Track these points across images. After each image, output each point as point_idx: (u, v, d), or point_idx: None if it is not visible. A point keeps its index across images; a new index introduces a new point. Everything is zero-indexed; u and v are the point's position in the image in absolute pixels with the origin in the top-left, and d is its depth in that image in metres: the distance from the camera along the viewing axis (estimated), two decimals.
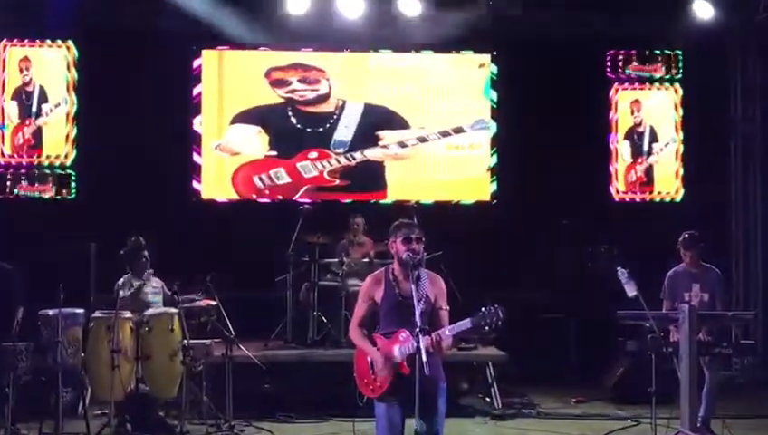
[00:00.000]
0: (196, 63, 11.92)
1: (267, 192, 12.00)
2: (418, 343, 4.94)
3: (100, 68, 11.56)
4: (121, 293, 8.24)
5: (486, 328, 5.11)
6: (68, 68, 11.75)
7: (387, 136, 12.12)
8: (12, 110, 11.67)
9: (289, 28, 11.63)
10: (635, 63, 12.35)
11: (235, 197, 11.96)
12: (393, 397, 5.21)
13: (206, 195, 11.91)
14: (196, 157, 11.88)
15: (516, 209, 11.84)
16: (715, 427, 7.88)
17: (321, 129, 12.07)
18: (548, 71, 11.65)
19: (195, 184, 11.88)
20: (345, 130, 12.09)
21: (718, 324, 7.89)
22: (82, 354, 8.08)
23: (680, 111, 12.34)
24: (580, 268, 11.53)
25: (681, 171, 12.28)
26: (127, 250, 8.55)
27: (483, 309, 5.11)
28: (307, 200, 11.71)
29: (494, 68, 12.19)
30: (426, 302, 5.22)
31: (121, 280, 8.44)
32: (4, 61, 11.68)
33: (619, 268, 7.39)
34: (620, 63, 12.33)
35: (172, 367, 8.03)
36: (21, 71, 11.71)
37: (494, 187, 12.13)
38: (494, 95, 12.18)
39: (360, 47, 12.15)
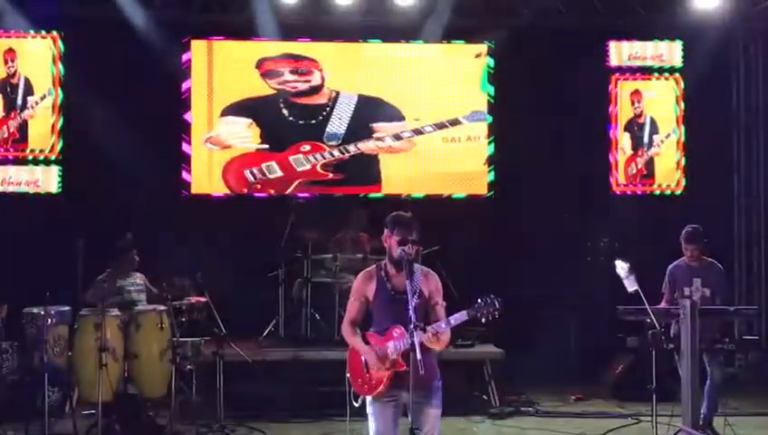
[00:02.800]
0: (185, 54, 11.87)
1: (259, 186, 11.96)
2: (413, 338, 4.93)
3: (87, 59, 11.51)
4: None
5: (483, 320, 5.11)
6: (54, 60, 11.70)
7: (381, 128, 12.08)
8: None
9: (281, 17, 11.62)
10: (635, 53, 12.33)
11: (225, 191, 11.93)
12: (387, 396, 5.20)
13: (195, 189, 11.87)
14: (185, 150, 11.85)
15: (515, 203, 11.82)
16: (717, 425, 7.88)
17: (313, 121, 12.04)
18: (546, 60, 11.63)
19: (184, 178, 11.84)
20: (338, 123, 12.07)
21: (721, 320, 7.89)
22: (69, 353, 8.06)
23: (681, 103, 12.33)
24: (579, 263, 11.51)
25: (683, 164, 12.28)
26: (117, 247, 8.53)
27: (479, 300, 5.12)
28: (301, 194, 11.68)
29: (492, 58, 12.16)
30: (419, 297, 5.20)
31: (102, 276, 8.41)
32: None
33: (618, 262, 7.38)
34: (621, 53, 12.31)
35: (161, 366, 8.04)
36: (6, 62, 11.65)
37: (491, 179, 12.10)
38: (492, 86, 12.15)
39: (353, 37, 12.13)
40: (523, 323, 10.62)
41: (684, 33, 12.13)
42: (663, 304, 8.00)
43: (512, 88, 11.95)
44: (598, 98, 12.25)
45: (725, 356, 8.12)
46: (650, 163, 12.33)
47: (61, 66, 11.70)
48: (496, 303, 5.08)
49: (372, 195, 11.96)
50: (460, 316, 5.13)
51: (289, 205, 10.62)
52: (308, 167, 11.99)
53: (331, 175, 12.02)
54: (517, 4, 11.89)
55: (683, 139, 12.30)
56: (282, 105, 12.02)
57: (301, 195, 11.63)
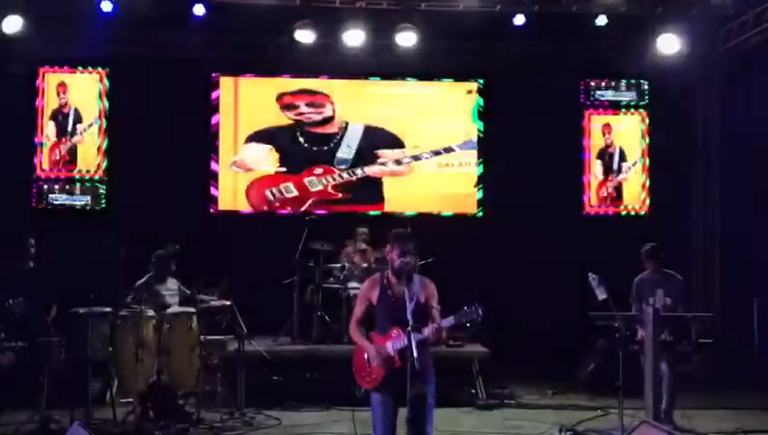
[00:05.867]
0: (214, 89, 11.95)
1: (277, 204, 12.01)
2: (410, 340, 4.96)
3: (129, 92, 11.59)
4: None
5: (468, 325, 5.14)
6: (100, 92, 11.79)
7: (385, 154, 12.14)
8: (50, 129, 11.72)
9: (298, 57, 11.68)
10: (606, 91, 12.40)
11: (248, 208, 11.97)
12: (386, 388, 5.22)
13: (222, 206, 11.92)
14: (213, 172, 11.90)
15: (500, 220, 11.85)
16: (676, 418, 7.88)
17: (325, 148, 12.10)
18: (528, 96, 11.70)
19: (212, 196, 11.89)
20: (347, 149, 12.12)
21: (680, 325, 7.91)
22: (110, 349, 8.07)
23: (647, 135, 12.38)
24: (556, 275, 11.49)
25: (648, 188, 12.31)
26: (161, 254, 8.52)
27: (465, 308, 5.14)
28: (314, 211, 11.71)
29: (481, 94, 12.23)
30: (417, 302, 5.23)
31: (141, 281, 8.41)
32: (43, 85, 11.72)
33: (590, 274, 7.41)
34: (593, 91, 12.39)
35: (190, 360, 8.04)
36: (58, 94, 11.75)
37: (480, 200, 12.14)
38: (481, 118, 12.20)
39: (361, 75, 12.20)
40: (507, 326, 10.62)
41: (650, 73, 12.18)
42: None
43: (498, 120, 12.01)
44: (573, 129, 12.30)
45: (684, 357, 8.11)
46: (619, 187, 12.37)
47: (106, 98, 11.80)
48: (479, 310, 5.11)
49: (377, 212, 12.00)
50: (447, 321, 5.17)
51: (303, 221, 10.63)
52: (320, 187, 12.04)
53: (340, 195, 12.07)
54: (504, 47, 11.95)
55: (648, 166, 12.34)
56: (298, 134, 12.08)
57: (314, 212, 11.66)
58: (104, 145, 11.77)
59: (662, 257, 8.17)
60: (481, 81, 12.25)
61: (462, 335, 9.80)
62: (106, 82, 11.81)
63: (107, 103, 11.80)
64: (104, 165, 11.75)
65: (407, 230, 5.49)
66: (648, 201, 12.29)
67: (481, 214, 12.15)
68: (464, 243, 11.58)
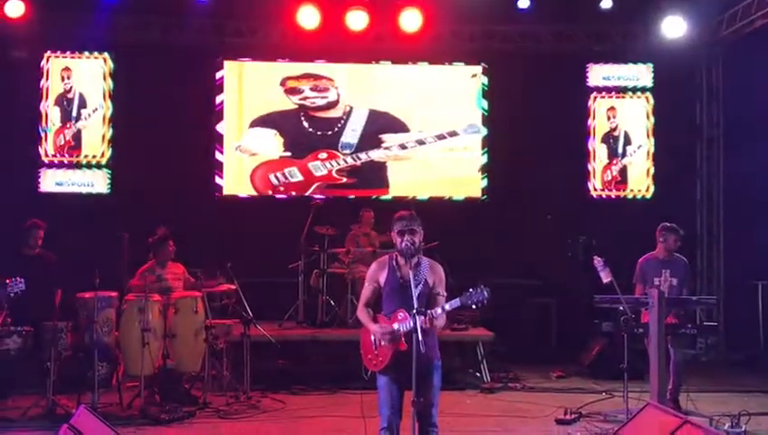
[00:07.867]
0: (218, 74, 11.89)
1: (282, 189, 11.97)
2: (415, 322, 4.92)
3: (133, 77, 11.54)
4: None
5: (474, 306, 5.08)
6: (104, 77, 11.74)
7: (389, 139, 12.08)
8: (54, 114, 11.67)
9: (302, 41, 11.61)
10: (612, 74, 12.32)
11: (253, 193, 11.93)
12: (393, 371, 5.19)
13: (227, 191, 11.88)
14: (218, 157, 11.86)
15: (505, 205, 11.82)
16: (680, 400, 7.86)
17: (330, 132, 12.05)
18: (533, 80, 11.62)
19: (217, 181, 11.85)
20: (352, 134, 12.06)
21: (685, 308, 7.87)
22: (116, 333, 8.07)
23: (651, 118, 12.30)
24: (561, 257, 11.47)
25: (652, 171, 12.25)
26: (154, 239, 8.52)
27: (471, 289, 5.08)
28: (318, 196, 11.66)
29: (485, 78, 12.15)
30: (424, 285, 5.20)
31: (145, 267, 8.40)
32: (47, 70, 11.67)
33: (595, 257, 7.37)
34: (599, 74, 12.30)
35: (196, 344, 8.04)
36: (62, 79, 11.70)
37: (484, 184, 12.09)
38: (485, 102, 12.14)
39: (365, 59, 12.12)
40: (512, 310, 10.62)
41: (654, 57, 12.10)
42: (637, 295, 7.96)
43: (503, 104, 11.93)
44: (578, 113, 12.23)
45: (688, 340, 8.07)
46: (624, 171, 12.30)
47: (110, 82, 11.74)
48: (485, 292, 5.05)
49: (381, 197, 11.97)
50: (454, 303, 5.11)
51: (308, 205, 10.60)
52: (325, 172, 11.99)
53: (344, 179, 12.02)
54: (509, 31, 11.88)
55: (652, 149, 12.27)
56: (302, 118, 12.03)
57: (318, 196, 11.62)
58: (109, 130, 11.72)
59: (681, 234, 8.12)
60: (485, 64, 12.15)
61: (466, 319, 9.78)
62: (110, 66, 11.75)
63: (111, 88, 11.74)
64: (109, 150, 11.70)
65: (410, 212, 5.42)
66: (652, 184, 12.22)
67: (485, 198, 12.09)
68: (468, 227, 11.54)
